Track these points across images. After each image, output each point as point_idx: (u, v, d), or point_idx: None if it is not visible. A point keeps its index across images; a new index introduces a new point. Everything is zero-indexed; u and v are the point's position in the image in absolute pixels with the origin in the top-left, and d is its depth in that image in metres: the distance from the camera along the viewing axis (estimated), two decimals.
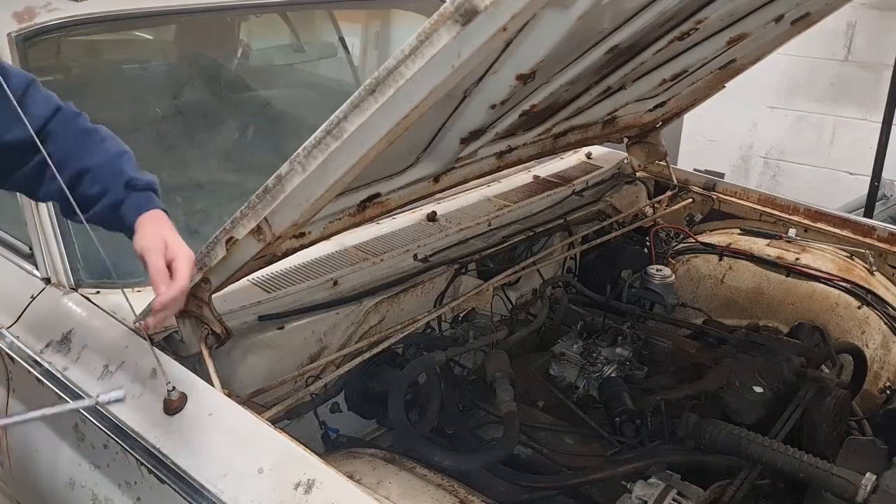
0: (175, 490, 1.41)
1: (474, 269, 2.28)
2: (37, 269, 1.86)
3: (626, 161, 2.91)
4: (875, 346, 2.34)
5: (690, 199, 2.89)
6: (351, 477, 1.39)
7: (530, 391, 2.06)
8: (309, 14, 3.21)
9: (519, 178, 2.69)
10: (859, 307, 2.38)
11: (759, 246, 2.61)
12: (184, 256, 1.42)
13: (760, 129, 5.20)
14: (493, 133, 1.86)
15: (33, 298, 1.81)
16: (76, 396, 1.62)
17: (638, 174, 2.91)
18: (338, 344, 1.94)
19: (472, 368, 2.08)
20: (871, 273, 2.52)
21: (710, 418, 1.80)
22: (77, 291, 1.78)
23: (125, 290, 1.56)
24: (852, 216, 2.73)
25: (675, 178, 2.92)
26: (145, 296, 1.63)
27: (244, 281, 1.77)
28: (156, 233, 1.43)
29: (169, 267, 1.40)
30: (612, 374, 2.09)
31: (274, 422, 1.53)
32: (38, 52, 2.09)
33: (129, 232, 1.46)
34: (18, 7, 2.08)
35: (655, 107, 2.54)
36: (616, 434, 1.90)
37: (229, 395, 1.53)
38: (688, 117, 3.23)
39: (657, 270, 2.50)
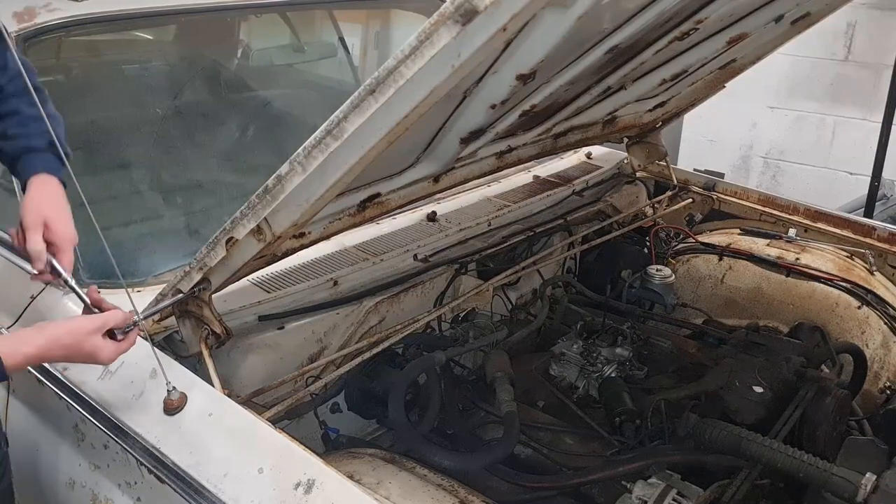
0: (175, 490, 1.41)
1: (474, 269, 2.28)
2: None
3: (626, 161, 2.91)
4: (875, 346, 2.34)
5: (690, 199, 2.89)
6: (351, 477, 1.39)
7: (530, 391, 2.06)
8: (309, 14, 3.20)
9: (519, 178, 2.69)
10: (859, 307, 2.38)
11: (759, 246, 2.61)
12: (66, 239, 1.53)
13: (760, 129, 5.20)
14: (493, 133, 1.86)
15: (33, 298, 1.81)
16: (76, 396, 1.62)
17: (638, 174, 2.91)
18: (338, 344, 1.94)
19: (472, 368, 2.08)
20: (871, 273, 2.52)
21: (710, 418, 1.80)
22: None
23: (126, 289, 1.55)
24: (852, 216, 2.73)
25: (675, 178, 2.92)
26: (146, 295, 1.64)
27: (244, 281, 1.77)
28: (40, 208, 1.52)
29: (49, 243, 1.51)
30: (612, 374, 2.08)
31: (274, 422, 1.53)
32: (38, 52, 2.09)
33: (23, 182, 1.58)
34: (18, 7, 2.08)
35: (655, 107, 2.54)
36: (616, 434, 1.90)
37: (229, 395, 1.53)
38: (688, 117, 3.23)
39: (657, 270, 2.50)
